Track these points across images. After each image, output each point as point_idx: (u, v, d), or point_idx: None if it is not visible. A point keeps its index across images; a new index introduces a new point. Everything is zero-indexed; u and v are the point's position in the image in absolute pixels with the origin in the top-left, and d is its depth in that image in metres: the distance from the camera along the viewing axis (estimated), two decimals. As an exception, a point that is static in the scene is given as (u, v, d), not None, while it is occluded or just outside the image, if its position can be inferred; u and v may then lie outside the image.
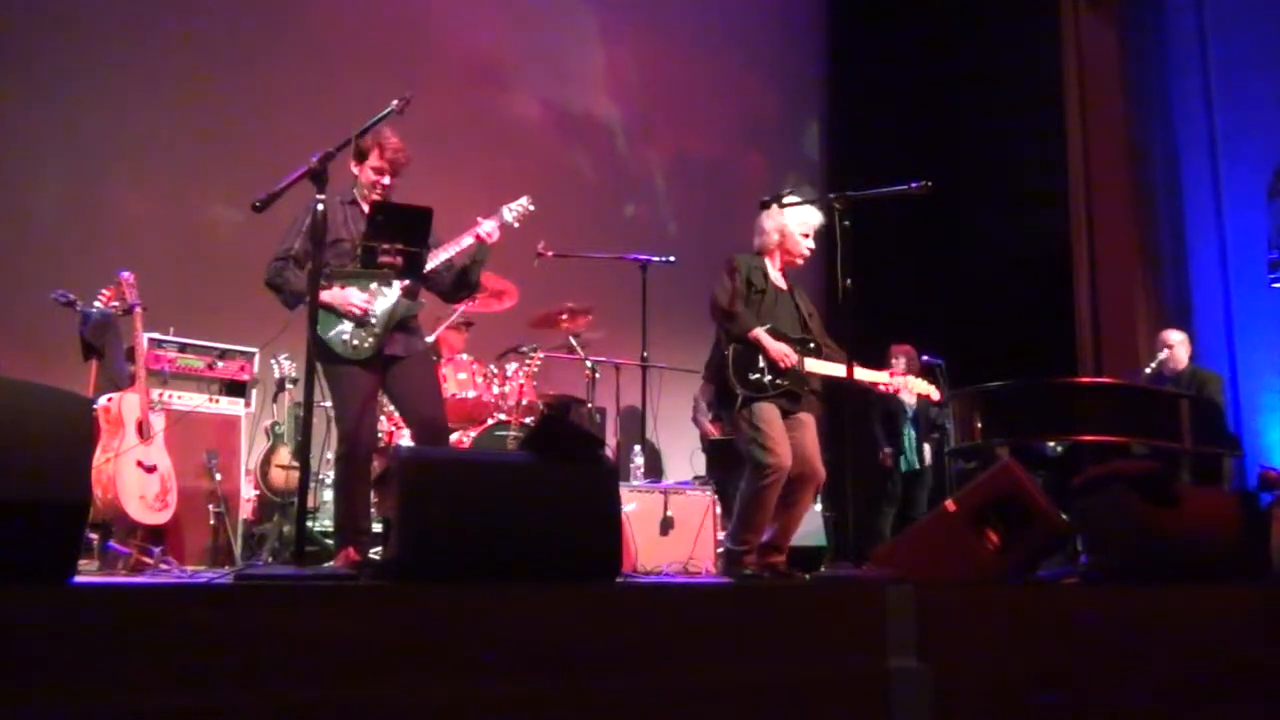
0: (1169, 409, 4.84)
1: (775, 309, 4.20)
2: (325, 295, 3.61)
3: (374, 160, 3.78)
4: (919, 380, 4.32)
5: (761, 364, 4.09)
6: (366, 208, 3.80)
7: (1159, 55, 7.79)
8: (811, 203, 4.32)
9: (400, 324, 3.75)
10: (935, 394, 4.34)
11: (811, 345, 4.20)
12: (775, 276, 4.29)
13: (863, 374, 4.06)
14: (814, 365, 4.15)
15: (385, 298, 3.72)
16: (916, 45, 8.47)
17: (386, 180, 3.82)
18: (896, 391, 4.40)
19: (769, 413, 4.06)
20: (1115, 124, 7.77)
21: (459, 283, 3.99)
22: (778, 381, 4.08)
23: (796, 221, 4.26)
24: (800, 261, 4.34)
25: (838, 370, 4.10)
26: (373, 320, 3.68)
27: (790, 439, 4.10)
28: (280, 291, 3.72)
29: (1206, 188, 7.45)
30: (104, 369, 4.75)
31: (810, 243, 4.30)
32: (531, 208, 4.05)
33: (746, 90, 8.80)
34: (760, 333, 4.11)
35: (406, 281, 3.75)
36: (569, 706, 2.00)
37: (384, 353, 3.71)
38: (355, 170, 3.85)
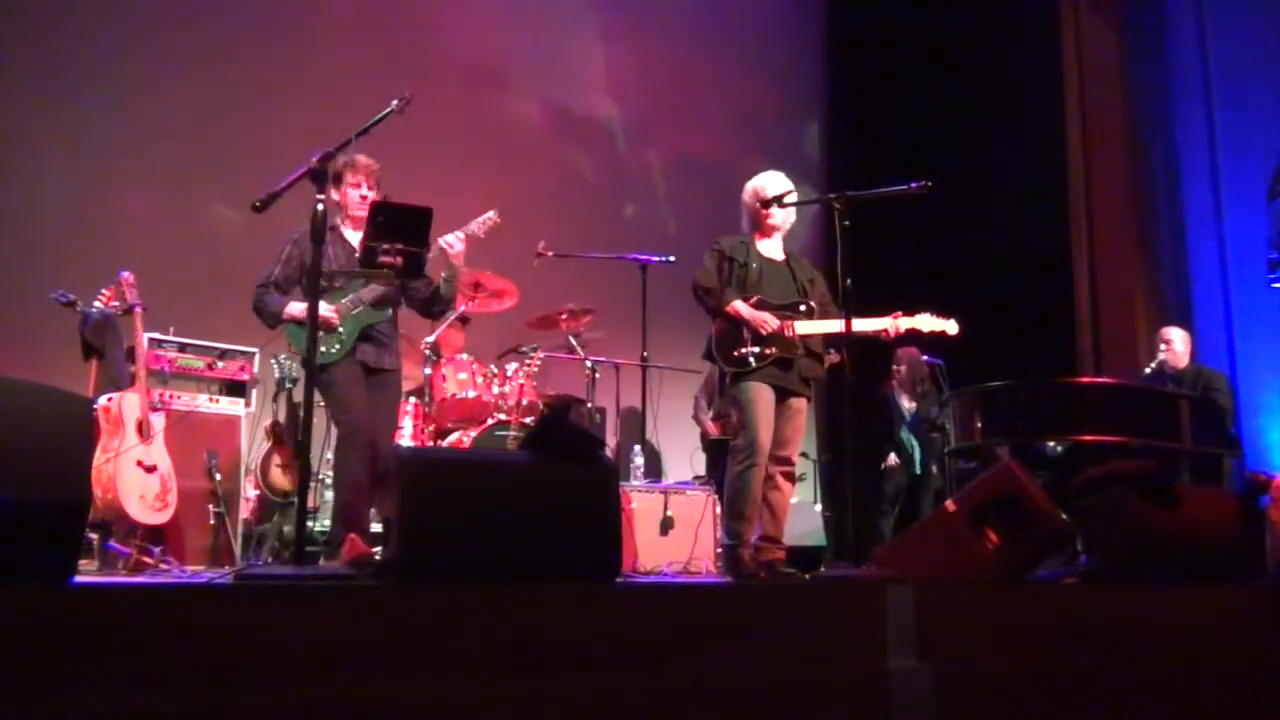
0: (1169, 409, 4.85)
1: (763, 281, 4.23)
2: (295, 311, 3.85)
3: (350, 178, 4.01)
4: (929, 318, 4.22)
5: (746, 337, 4.11)
6: (348, 230, 4.04)
7: (1159, 55, 7.79)
8: (812, 202, 4.33)
9: (367, 332, 3.94)
10: (952, 328, 4.24)
11: (802, 309, 4.20)
12: (767, 250, 4.33)
13: (863, 324, 4.05)
14: (804, 327, 4.16)
15: (353, 309, 3.93)
16: (916, 45, 8.45)
17: (369, 194, 4.02)
18: (896, 334, 4.19)
19: (757, 393, 4.09)
20: (1115, 124, 7.77)
21: (433, 298, 4.14)
22: (765, 352, 4.09)
23: (758, 194, 4.31)
24: (779, 229, 4.34)
25: (830, 327, 4.13)
26: (341, 330, 3.88)
27: (778, 427, 4.13)
28: (261, 315, 3.99)
29: (1206, 188, 7.44)
30: (104, 369, 4.75)
31: (779, 210, 4.30)
32: (497, 220, 4.19)
33: (746, 90, 8.80)
34: (737, 304, 4.14)
35: (377, 292, 3.94)
36: (569, 706, 2.00)
37: (355, 356, 3.90)
38: (335, 196, 4.00)
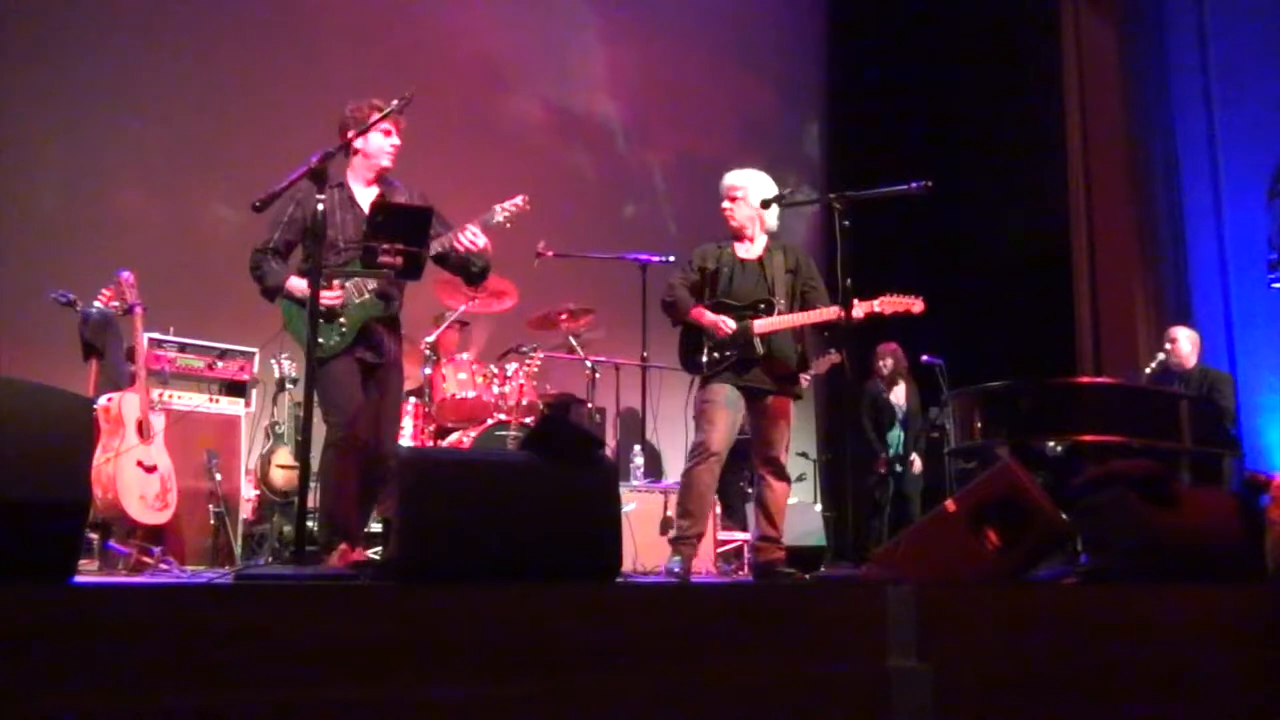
0: (1169, 409, 4.84)
1: (733, 284, 4.23)
2: (297, 287, 3.60)
3: (380, 124, 3.67)
4: (891, 299, 4.11)
5: (706, 342, 4.14)
6: (360, 188, 3.78)
7: (1159, 55, 7.79)
8: (812, 202, 4.33)
9: (369, 327, 3.70)
10: (917, 307, 4.14)
11: (763, 307, 4.16)
12: (744, 251, 4.32)
13: (816, 316, 4.07)
14: (764, 324, 4.11)
15: (357, 295, 3.69)
16: (916, 45, 8.46)
17: (396, 140, 3.77)
18: (854, 321, 4.05)
19: (716, 394, 4.10)
20: (1115, 124, 7.77)
21: (464, 273, 3.93)
22: (727, 354, 4.09)
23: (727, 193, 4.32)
24: (739, 227, 4.30)
25: (787, 322, 4.11)
26: (342, 320, 3.64)
27: (758, 427, 4.14)
28: (258, 282, 3.70)
29: (1206, 188, 7.44)
30: (104, 369, 4.75)
31: (730, 206, 4.29)
32: (526, 206, 3.91)
33: (746, 90, 8.80)
34: (695, 310, 4.18)
35: (378, 281, 3.69)
36: (569, 706, 2.00)
37: (354, 355, 3.67)
38: (359, 143, 3.70)
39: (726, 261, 4.27)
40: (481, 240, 3.74)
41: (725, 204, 4.32)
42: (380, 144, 3.76)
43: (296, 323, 3.64)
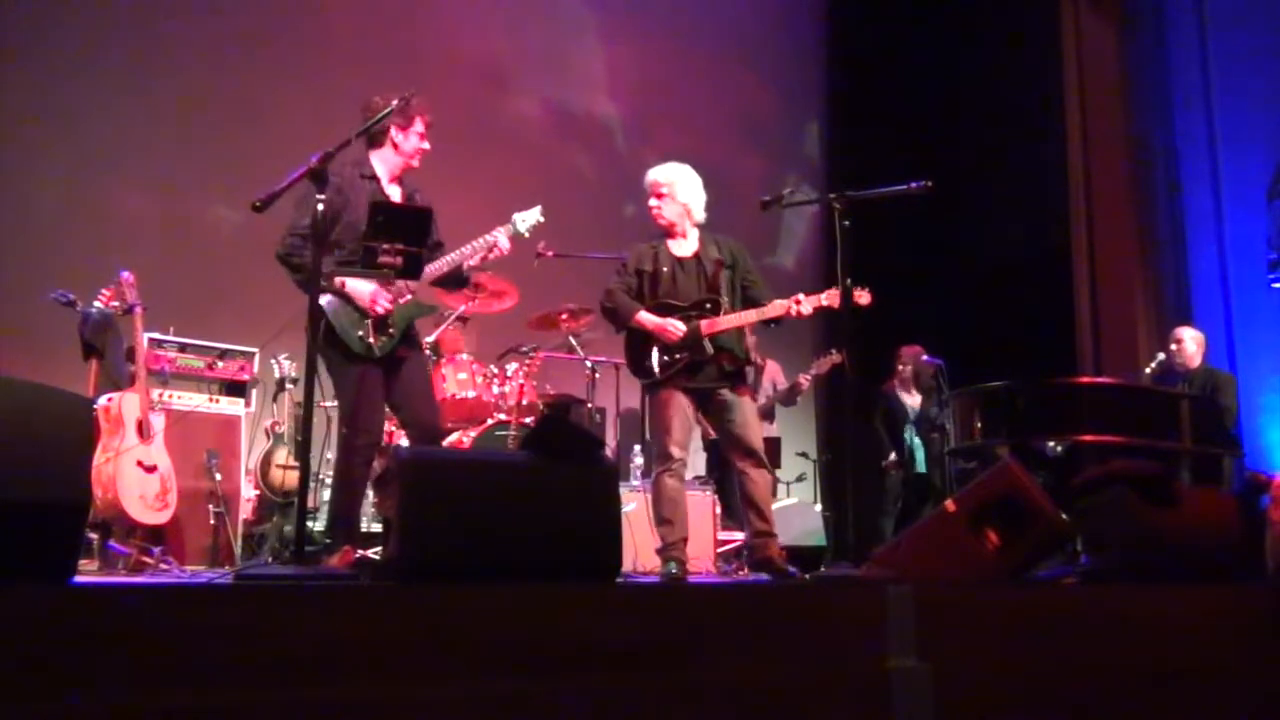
0: (1169, 409, 4.85)
1: (674, 284, 4.16)
2: (350, 288, 3.57)
3: (419, 126, 3.71)
4: (838, 292, 4.03)
5: (654, 347, 4.08)
6: (389, 183, 3.75)
7: (1159, 55, 7.79)
8: (812, 202, 4.31)
9: (408, 331, 3.70)
10: (864, 298, 4.03)
11: (708, 306, 4.10)
12: (679, 248, 4.24)
13: (765, 312, 4.05)
14: (711, 325, 4.06)
15: (399, 299, 3.66)
16: (916, 45, 8.46)
17: (428, 144, 3.77)
18: (799, 315, 4.06)
19: (666, 400, 4.05)
20: (1115, 124, 7.77)
21: (456, 282, 3.99)
22: (676, 357, 4.05)
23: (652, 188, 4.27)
24: (670, 225, 4.24)
25: (734, 321, 4.06)
26: (390, 322, 3.61)
27: (723, 423, 4.10)
28: (299, 271, 3.54)
29: (1206, 188, 7.44)
30: (104, 369, 4.76)
31: (658, 203, 4.23)
32: (543, 219, 3.93)
33: (746, 90, 8.80)
34: (641, 316, 4.10)
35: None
36: (570, 706, 2.00)
37: (394, 355, 3.66)
38: (399, 138, 3.71)
39: (665, 261, 4.19)
40: (508, 248, 3.79)
41: (653, 201, 4.24)
42: (416, 144, 3.76)
43: (340, 319, 3.55)
